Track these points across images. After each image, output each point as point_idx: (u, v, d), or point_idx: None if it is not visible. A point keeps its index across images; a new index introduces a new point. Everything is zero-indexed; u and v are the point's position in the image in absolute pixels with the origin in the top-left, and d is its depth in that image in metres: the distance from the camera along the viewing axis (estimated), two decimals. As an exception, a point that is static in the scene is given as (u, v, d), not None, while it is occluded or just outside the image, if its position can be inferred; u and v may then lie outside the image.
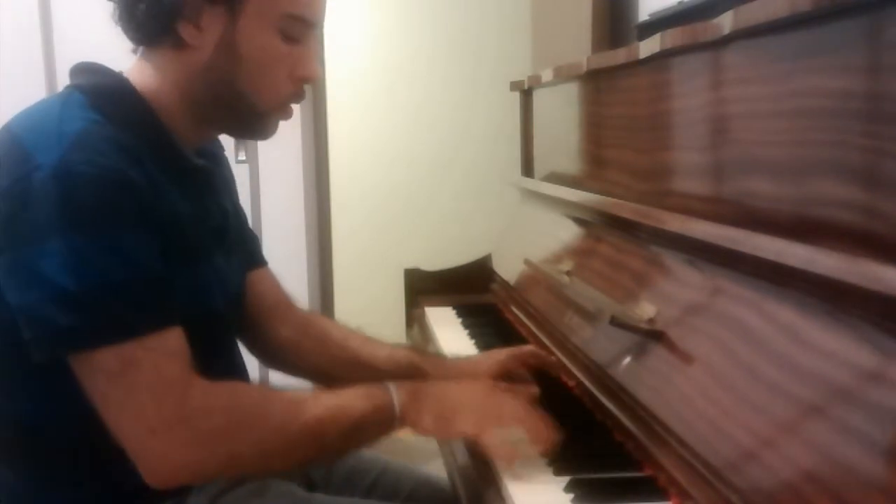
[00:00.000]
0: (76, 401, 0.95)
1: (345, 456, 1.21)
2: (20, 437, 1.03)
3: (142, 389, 0.92)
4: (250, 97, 1.04)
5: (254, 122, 1.08)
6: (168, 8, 0.99)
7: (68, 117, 0.95)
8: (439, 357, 1.39)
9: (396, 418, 1.02)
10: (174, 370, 0.93)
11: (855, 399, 0.70)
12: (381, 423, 1.02)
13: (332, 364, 1.30)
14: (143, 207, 0.94)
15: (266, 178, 2.60)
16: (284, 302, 1.32)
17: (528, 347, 1.40)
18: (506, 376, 1.30)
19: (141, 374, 0.91)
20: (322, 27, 1.08)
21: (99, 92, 1.01)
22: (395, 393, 1.02)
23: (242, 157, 2.43)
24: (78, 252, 0.89)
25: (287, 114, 1.10)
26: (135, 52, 1.07)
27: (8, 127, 1.00)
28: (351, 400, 1.02)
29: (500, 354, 1.34)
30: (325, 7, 1.07)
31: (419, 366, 1.30)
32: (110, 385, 0.92)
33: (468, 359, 1.37)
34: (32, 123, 0.98)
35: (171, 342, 0.94)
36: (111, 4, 1.04)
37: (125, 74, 1.06)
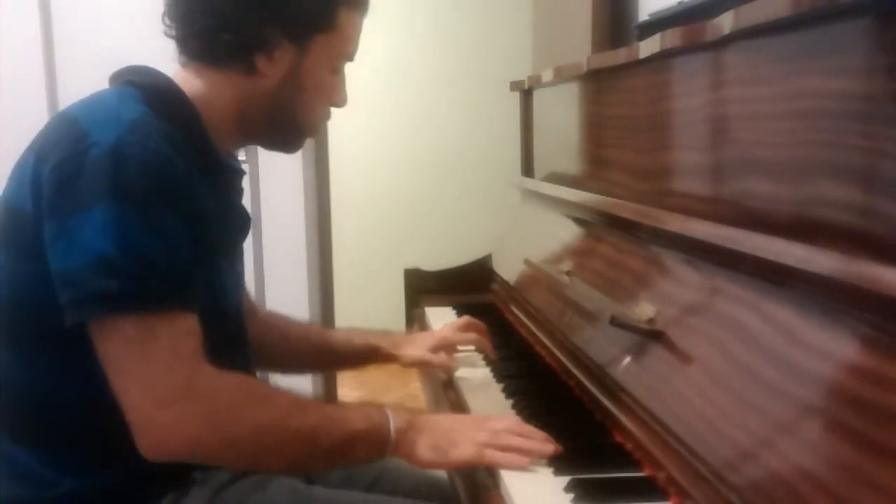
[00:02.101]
0: (91, 383, 0.98)
1: (333, 467, 1.24)
2: (36, 417, 1.05)
3: (155, 359, 0.96)
4: (300, 121, 1.17)
5: (293, 140, 1.21)
6: (251, 42, 1.09)
7: (126, 107, 1.03)
8: (388, 333, 1.52)
9: (391, 443, 1.05)
10: (189, 348, 0.98)
11: (853, 399, 0.70)
12: (374, 444, 1.05)
13: (293, 355, 1.43)
14: (182, 197, 1.00)
15: (266, 178, 2.60)
16: (251, 307, 1.38)
17: (463, 318, 1.54)
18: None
19: (157, 345, 0.96)
20: None
21: (151, 89, 1.08)
22: (393, 419, 1.05)
23: (242, 157, 2.43)
24: (121, 221, 0.95)
25: (315, 134, 1.23)
26: (182, 63, 1.13)
27: (66, 112, 1.07)
28: (349, 415, 1.05)
29: (440, 331, 1.51)
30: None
31: (372, 343, 1.46)
32: (126, 351, 0.96)
33: (414, 335, 1.55)
34: (91, 109, 1.05)
35: (189, 324, 0.99)
36: (168, 20, 1.12)
37: (173, 78, 1.12)
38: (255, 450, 1.00)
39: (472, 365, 1.47)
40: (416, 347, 1.47)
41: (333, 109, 1.21)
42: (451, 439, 1.05)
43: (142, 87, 1.07)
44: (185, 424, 0.96)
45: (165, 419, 0.95)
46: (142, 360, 0.96)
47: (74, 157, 0.97)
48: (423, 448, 1.04)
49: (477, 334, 1.50)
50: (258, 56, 1.09)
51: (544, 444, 1.03)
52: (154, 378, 0.96)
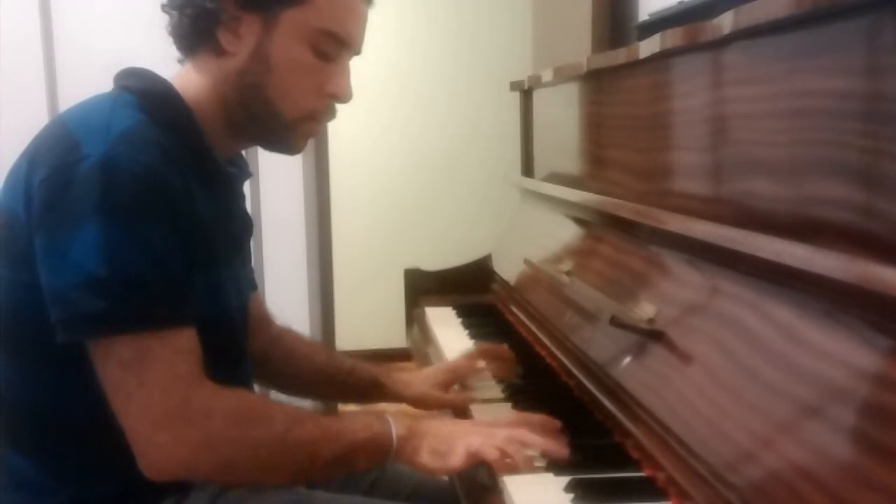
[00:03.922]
0: (90, 391, 0.97)
1: (336, 477, 1.21)
2: (35, 425, 1.05)
3: (152, 381, 0.95)
4: (276, 106, 1.08)
5: (280, 132, 1.12)
6: (209, 16, 1.05)
7: (118, 115, 1.00)
8: (395, 372, 1.43)
9: (392, 451, 1.04)
10: (185, 367, 0.97)
11: (853, 399, 0.70)
12: (376, 452, 1.04)
13: (297, 375, 1.37)
14: (175, 208, 0.98)
15: (266, 178, 2.60)
16: (265, 318, 1.36)
17: (477, 348, 1.47)
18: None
19: (153, 367, 0.95)
20: (358, 51, 1.13)
21: (146, 94, 1.05)
22: (395, 427, 1.05)
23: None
24: (111, 240, 0.94)
25: (315, 131, 1.15)
26: (180, 62, 1.12)
27: (60, 118, 1.06)
28: (350, 425, 1.04)
29: (452, 362, 1.43)
30: (361, 31, 1.12)
31: (377, 378, 1.37)
32: (123, 373, 0.95)
33: (422, 371, 1.44)
34: (84, 117, 1.03)
35: (186, 341, 0.98)
36: (164, 17, 1.10)
37: (170, 80, 1.10)
38: (253, 469, 1.00)
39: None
40: (422, 385, 1.37)
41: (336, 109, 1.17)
42: (449, 444, 1.04)
43: (137, 92, 1.05)
44: (182, 447, 0.96)
45: (163, 442, 0.95)
46: (138, 382, 0.95)
47: (64, 170, 0.95)
48: (424, 453, 1.04)
49: (488, 358, 1.41)
50: (222, 32, 1.05)
51: (530, 460, 1.02)
52: (150, 401, 0.95)
